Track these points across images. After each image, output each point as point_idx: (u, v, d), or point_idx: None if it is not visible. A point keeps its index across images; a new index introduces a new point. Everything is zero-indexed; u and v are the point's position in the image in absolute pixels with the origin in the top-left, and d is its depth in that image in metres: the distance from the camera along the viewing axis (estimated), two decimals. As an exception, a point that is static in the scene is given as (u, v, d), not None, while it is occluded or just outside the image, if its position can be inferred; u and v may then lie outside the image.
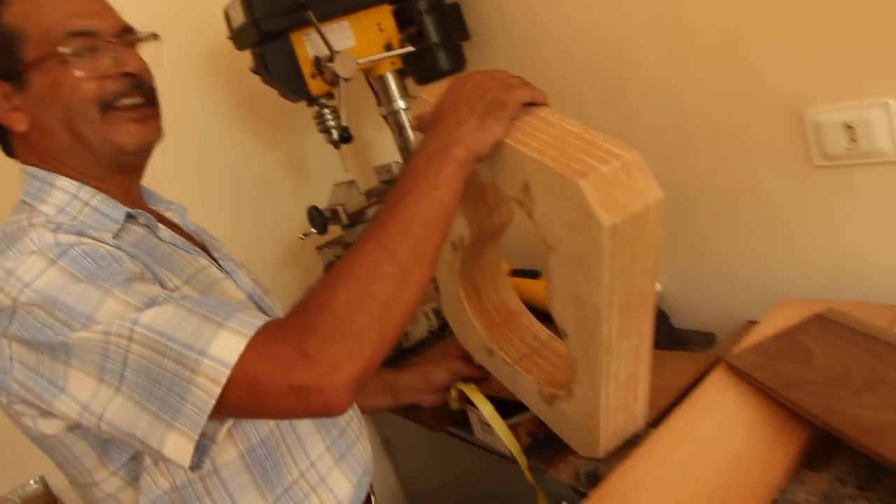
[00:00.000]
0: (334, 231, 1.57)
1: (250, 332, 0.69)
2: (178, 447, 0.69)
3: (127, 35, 0.91)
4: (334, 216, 1.47)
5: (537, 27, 1.45)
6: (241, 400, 0.68)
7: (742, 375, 0.98)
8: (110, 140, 0.88)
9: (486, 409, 1.11)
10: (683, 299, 1.42)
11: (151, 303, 0.71)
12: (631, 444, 0.96)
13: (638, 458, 0.89)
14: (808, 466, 0.83)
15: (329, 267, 1.53)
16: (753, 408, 0.93)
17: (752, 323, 1.21)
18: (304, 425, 0.95)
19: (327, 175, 1.97)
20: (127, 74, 0.89)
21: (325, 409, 0.67)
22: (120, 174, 0.93)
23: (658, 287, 1.43)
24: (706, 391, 0.98)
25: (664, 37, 1.22)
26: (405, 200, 0.75)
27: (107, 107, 0.87)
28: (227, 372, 0.67)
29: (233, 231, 1.31)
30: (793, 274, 1.22)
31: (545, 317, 1.28)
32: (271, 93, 1.52)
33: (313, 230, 1.49)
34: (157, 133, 0.94)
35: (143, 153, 0.94)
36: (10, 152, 0.92)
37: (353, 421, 1.05)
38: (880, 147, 1.03)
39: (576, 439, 0.98)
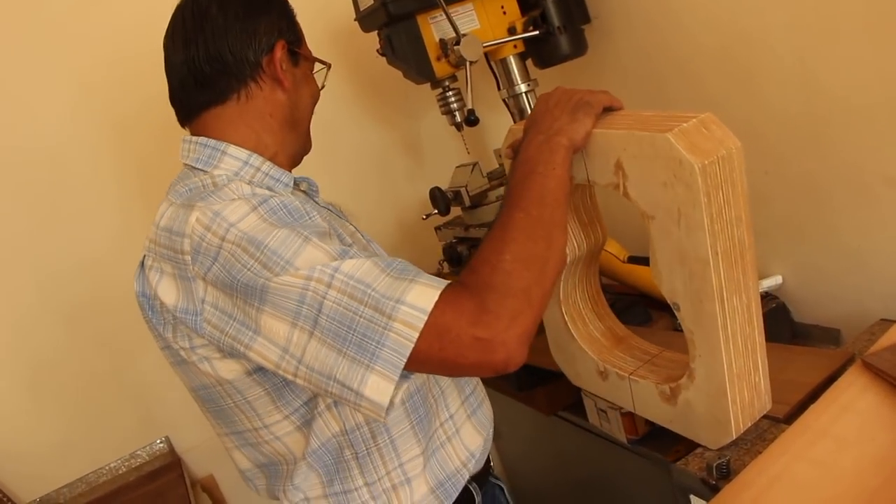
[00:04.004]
0: (453, 212, 1.58)
1: (441, 287, 0.74)
2: (379, 388, 0.73)
3: None
4: (456, 197, 1.48)
5: (660, 10, 1.42)
6: (429, 348, 0.72)
7: (882, 375, 0.95)
8: (309, 138, 1.05)
9: None
10: (806, 292, 1.37)
11: (345, 254, 0.76)
12: (762, 438, 0.95)
13: (772, 454, 0.88)
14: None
15: (448, 248, 1.55)
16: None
17: (886, 321, 1.17)
18: (446, 379, 1.01)
19: (441, 156, 1.99)
20: None
21: (506, 361, 0.72)
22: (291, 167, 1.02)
23: (778, 279, 1.39)
24: (842, 390, 0.95)
25: (799, 15, 1.17)
26: (532, 178, 0.84)
27: None
28: (424, 318, 0.72)
29: (351, 209, 1.34)
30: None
31: (666, 307, 1.27)
32: (388, 73, 1.54)
33: (435, 210, 1.51)
34: None
35: None
36: (188, 119, 0.95)
37: (479, 383, 1.12)
38: None
39: (705, 431, 0.97)
